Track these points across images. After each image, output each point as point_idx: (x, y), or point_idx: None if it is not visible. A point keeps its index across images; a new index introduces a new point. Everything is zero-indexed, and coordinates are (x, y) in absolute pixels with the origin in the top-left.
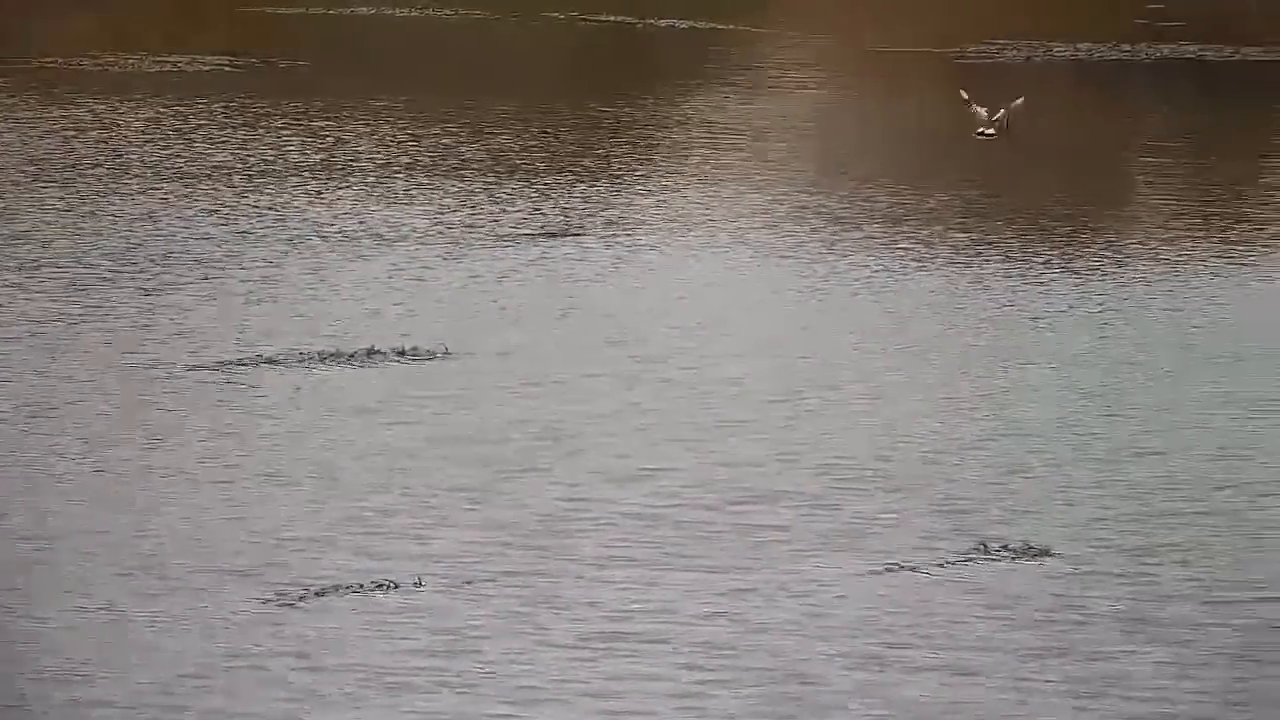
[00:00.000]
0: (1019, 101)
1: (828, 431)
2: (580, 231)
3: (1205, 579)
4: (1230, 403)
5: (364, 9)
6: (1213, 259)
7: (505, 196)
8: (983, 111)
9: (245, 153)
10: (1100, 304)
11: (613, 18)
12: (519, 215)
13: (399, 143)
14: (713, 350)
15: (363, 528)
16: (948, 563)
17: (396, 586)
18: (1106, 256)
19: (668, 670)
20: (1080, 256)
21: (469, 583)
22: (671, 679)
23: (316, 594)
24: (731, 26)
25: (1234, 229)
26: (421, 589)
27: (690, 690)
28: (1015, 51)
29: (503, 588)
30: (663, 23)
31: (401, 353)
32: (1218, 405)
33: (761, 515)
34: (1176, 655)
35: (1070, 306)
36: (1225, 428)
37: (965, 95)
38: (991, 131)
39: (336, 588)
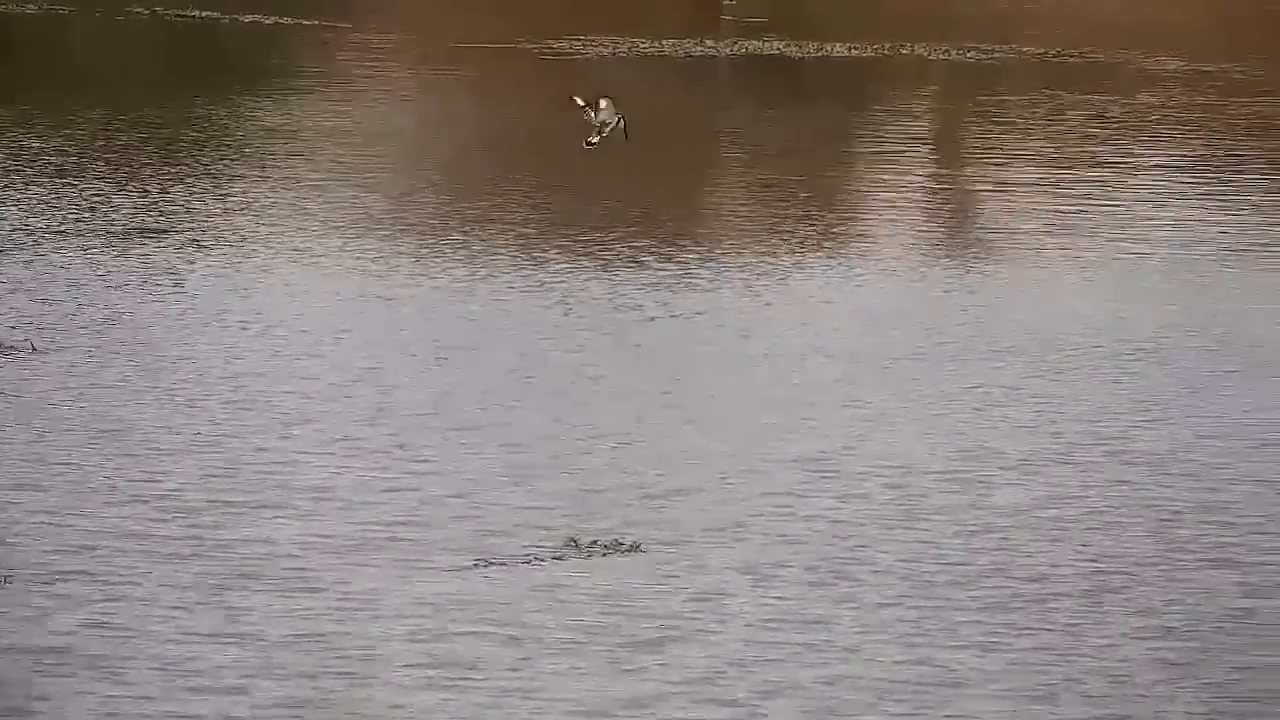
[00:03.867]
0: (606, 105)
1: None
2: (155, 234)
3: None
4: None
5: None
6: (792, 264)
7: (85, 198)
8: (600, 114)
9: None
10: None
11: (199, 13)
12: (101, 215)
13: None
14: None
15: None
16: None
17: None
18: (697, 258)
19: None
20: (664, 258)
21: None
22: None
23: None
24: (317, 22)
25: (813, 231)
26: None
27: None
28: (601, 47)
29: None
30: (248, 19)
31: None
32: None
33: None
34: None
35: (661, 309)
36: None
37: (580, 102)
38: (595, 141)
39: None
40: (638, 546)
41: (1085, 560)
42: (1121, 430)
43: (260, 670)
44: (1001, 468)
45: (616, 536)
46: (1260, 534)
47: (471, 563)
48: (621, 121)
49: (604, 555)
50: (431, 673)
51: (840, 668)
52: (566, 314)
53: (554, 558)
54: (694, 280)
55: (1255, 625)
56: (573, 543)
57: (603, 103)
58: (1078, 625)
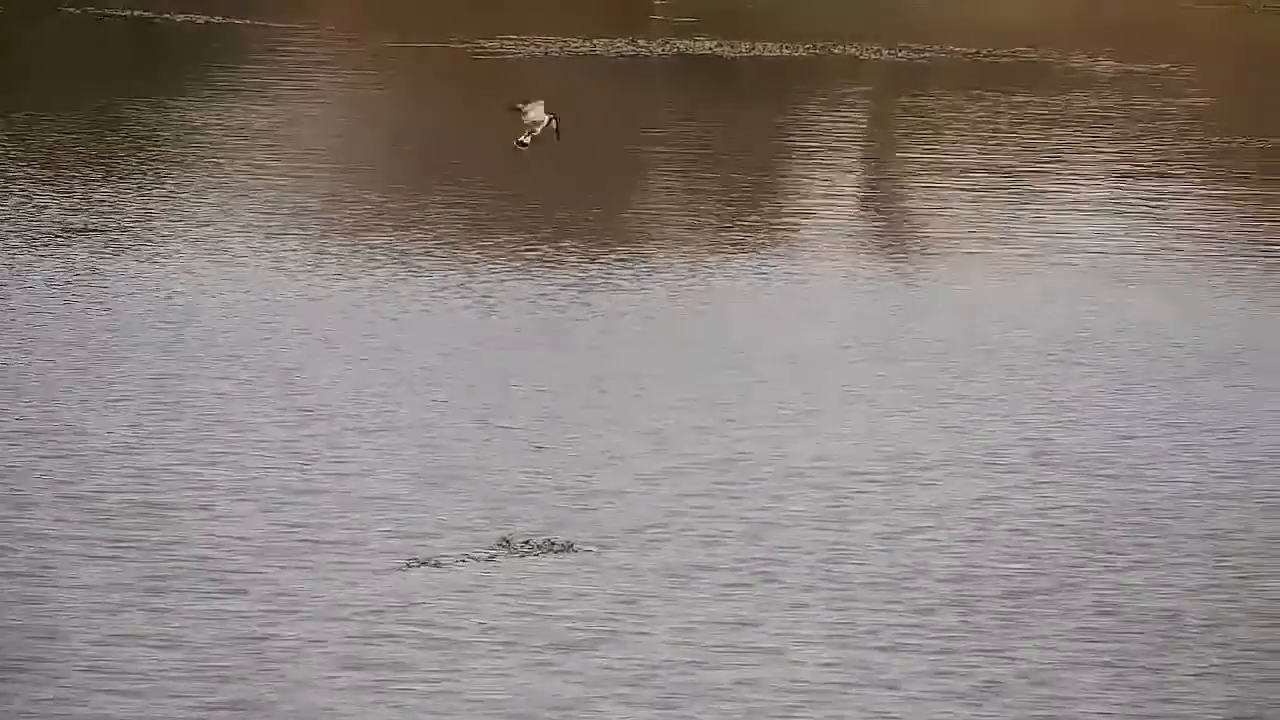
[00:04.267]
0: (537, 106)
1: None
2: (79, 234)
3: None
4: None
5: None
6: (718, 264)
7: (6, 198)
8: (532, 116)
9: None
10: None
11: (130, 12)
12: (24, 214)
13: None
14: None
15: None
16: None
17: None
18: (626, 256)
19: None
20: (599, 255)
21: None
22: None
23: None
24: (249, 22)
25: (740, 231)
26: None
27: None
28: (534, 47)
29: None
30: (181, 18)
31: None
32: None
33: None
34: None
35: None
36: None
37: (520, 106)
38: (526, 141)
39: None
40: (570, 546)
41: (1007, 561)
42: (1044, 431)
43: (187, 673)
44: (924, 468)
45: (550, 537)
46: (1181, 535)
47: (400, 564)
48: (553, 122)
49: (537, 556)
50: (359, 674)
51: (763, 670)
52: (488, 314)
53: (486, 559)
54: (617, 281)
55: (1177, 625)
56: (505, 543)
57: (533, 103)
58: (1000, 626)
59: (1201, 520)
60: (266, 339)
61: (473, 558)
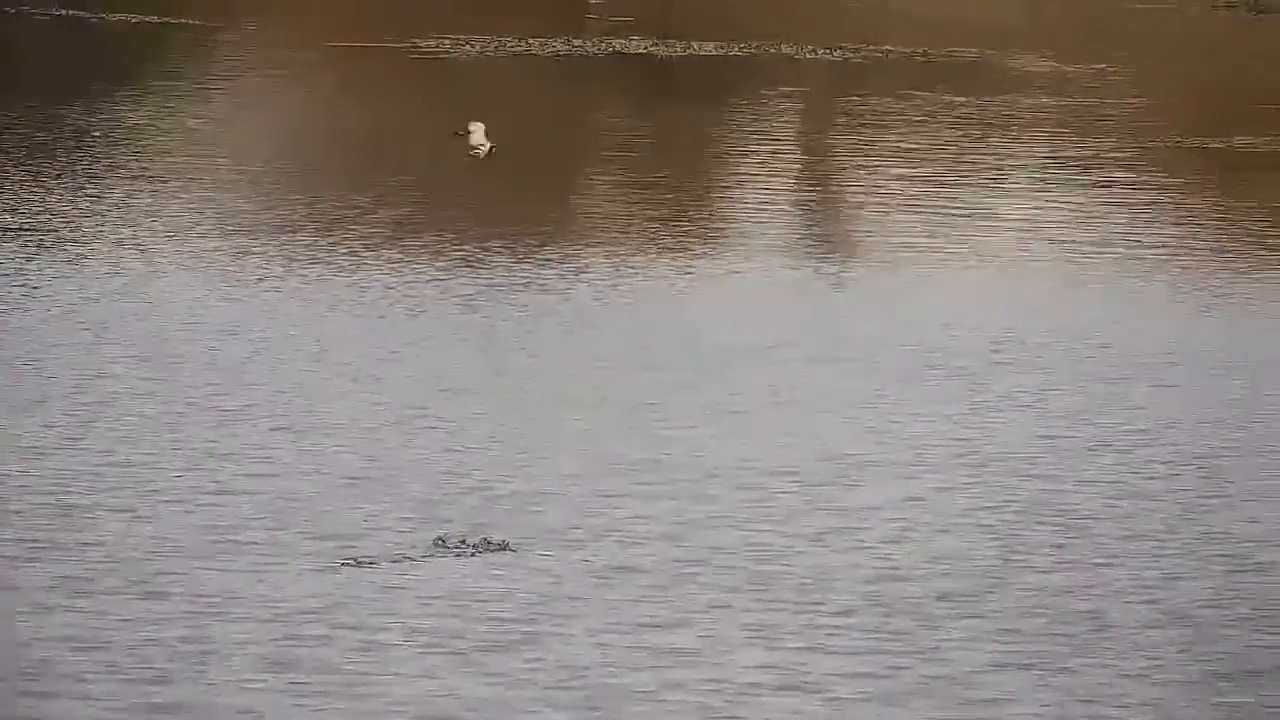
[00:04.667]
0: (478, 128)
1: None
2: (10, 234)
3: None
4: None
5: None
6: (646, 263)
7: None
8: (475, 139)
9: None
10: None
11: (65, 12)
12: None
13: None
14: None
15: None
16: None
17: None
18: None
19: None
20: (542, 263)
21: None
22: None
23: None
24: (187, 21)
25: (669, 231)
26: None
27: None
28: (470, 46)
29: None
30: (115, 17)
31: None
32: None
33: None
34: None
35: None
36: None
37: (462, 132)
38: (480, 148)
39: None
40: (494, 546)
41: (931, 561)
42: (970, 433)
43: (109, 675)
44: (850, 469)
45: (473, 537)
46: (1104, 537)
47: (323, 566)
48: (493, 150)
49: (460, 557)
50: (284, 676)
51: (686, 671)
52: (415, 315)
53: (411, 560)
54: (544, 281)
55: (1098, 625)
56: (432, 543)
57: (475, 125)
58: (925, 627)
59: (1124, 521)
60: (191, 340)
61: (396, 559)
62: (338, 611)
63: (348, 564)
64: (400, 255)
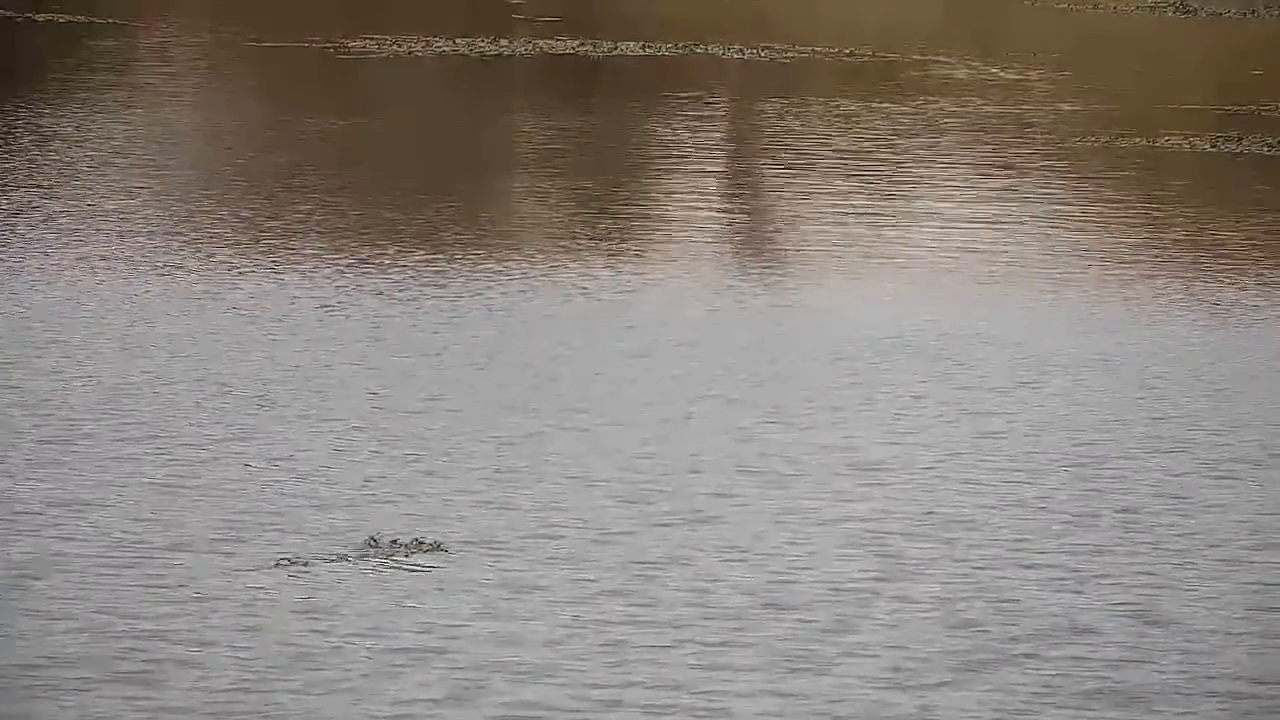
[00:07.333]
0: None
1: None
2: None
3: None
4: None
5: None
6: (578, 272)
7: None
8: None
9: None
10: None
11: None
12: None
13: None
14: None
15: None
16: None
17: None
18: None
19: None
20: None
21: None
22: None
23: None
24: (110, 21)
25: (600, 238)
26: None
27: None
28: (397, 46)
29: None
30: (41, 17)
31: None
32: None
33: None
34: None
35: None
36: None
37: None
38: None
39: None
40: (439, 545)
41: (880, 559)
42: (913, 437)
43: (36, 678)
44: (792, 475)
45: (417, 537)
46: (984, 540)
47: (244, 568)
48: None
49: (381, 571)
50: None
51: (632, 684)
52: (327, 317)
53: (331, 567)
54: (475, 289)
55: (1052, 621)
56: (372, 541)
57: None
58: (872, 627)
59: (1002, 529)
60: (117, 346)
61: (320, 565)
62: (251, 616)
63: (258, 570)
64: (316, 257)
